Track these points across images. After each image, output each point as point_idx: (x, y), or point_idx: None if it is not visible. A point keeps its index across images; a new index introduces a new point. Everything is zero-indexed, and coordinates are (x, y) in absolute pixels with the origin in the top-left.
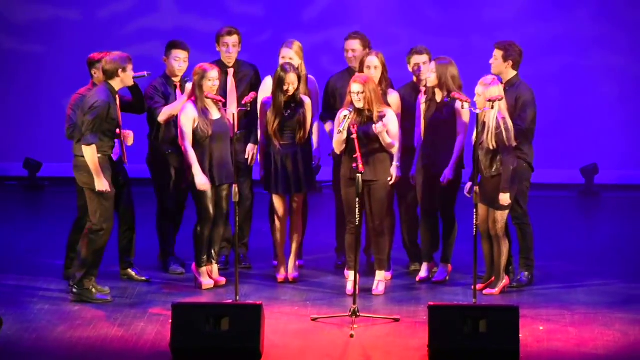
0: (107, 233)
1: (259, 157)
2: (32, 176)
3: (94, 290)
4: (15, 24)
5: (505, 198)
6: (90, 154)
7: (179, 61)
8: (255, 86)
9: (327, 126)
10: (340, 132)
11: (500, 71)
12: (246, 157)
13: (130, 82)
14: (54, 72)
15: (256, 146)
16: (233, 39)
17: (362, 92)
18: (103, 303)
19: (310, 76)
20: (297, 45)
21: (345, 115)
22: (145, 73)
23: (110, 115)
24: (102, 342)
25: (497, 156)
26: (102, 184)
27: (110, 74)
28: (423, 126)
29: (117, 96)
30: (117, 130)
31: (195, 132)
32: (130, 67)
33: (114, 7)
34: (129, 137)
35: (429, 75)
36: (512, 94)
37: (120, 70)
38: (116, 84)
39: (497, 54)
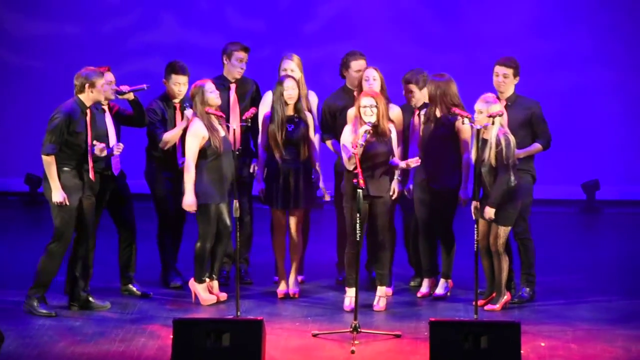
0: (62, 246)
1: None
2: (33, 191)
3: (35, 303)
4: (17, 39)
5: (490, 212)
6: (47, 164)
7: (179, 86)
8: (256, 101)
9: (329, 144)
10: (361, 145)
11: (509, 88)
12: (251, 171)
13: (101, 98)
14: (55, 87)
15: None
16: (247, 56)
17: (376, 106)
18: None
19: (310, 91)
20: (297, 58)
21: (366, 130)
22: (145, 86)
23: (73, 129)
24: (103, 358)
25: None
26: (57, 195)
27: (78, 88)
28: (420, 142)
29: (87, 111)
30: (114, 145)
31: (206, 149)
32: (100, 82)
33: (116, 23)
34: (104, 151)
35: (423, 91)
36: (521, 109)
37: (87, 86)
38: (85, 98)
39: (508, 71)
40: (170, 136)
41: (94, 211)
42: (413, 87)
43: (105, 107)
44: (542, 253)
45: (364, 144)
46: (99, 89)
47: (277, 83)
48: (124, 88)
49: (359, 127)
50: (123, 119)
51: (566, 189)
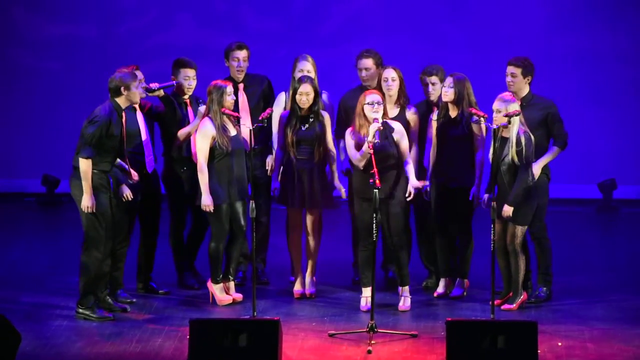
0: (97, 258)
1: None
2: (51, 192)
3: (92, 314)
4: (33, 40)
5: (508, 210)
6: (84, 167)
7: (189, 80)
8: (268, 96)
9: (342, 143)
10: (370, 142)
11: (519, 88)
12: (267, 168)
13: (137, 99)
14: (71, 88)
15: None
16: (243, 54)
17: (381, 104)
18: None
19: (323, 91)
20: (311, 58)
21: (378, 128)
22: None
23: (111, 132)
24: (120, 358)
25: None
26: (87, 201)
27: (114, 91)
28: (436, 143)
29: (123, 113)
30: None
31: (214, 149)
32: (134, 84)
33: (131, 24)
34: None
35: (447, 90)
36: (537, 109)
37: (122, 88)
38: (121, 101)
39: (516, 71)
40: (185, 132)
41: (115, 213)
42: (435, 79)
43: (136, 106)
44: (559, 252)
45: (372, 141)
46: (134, 91)
47: (293, 82)
48: (154, 85)
49: (365, 126)
50: (155, 116)
51: (583, 188)
